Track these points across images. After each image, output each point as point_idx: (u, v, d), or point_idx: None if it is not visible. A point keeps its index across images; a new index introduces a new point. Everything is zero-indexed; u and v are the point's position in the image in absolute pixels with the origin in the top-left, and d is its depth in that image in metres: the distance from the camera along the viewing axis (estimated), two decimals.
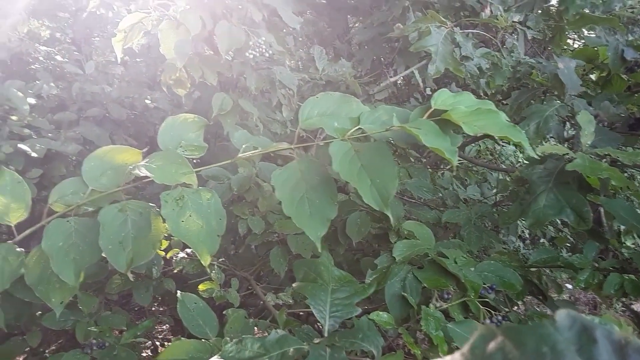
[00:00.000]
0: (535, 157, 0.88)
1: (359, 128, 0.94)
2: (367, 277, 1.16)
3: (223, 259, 1.34)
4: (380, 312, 0.97)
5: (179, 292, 0.95)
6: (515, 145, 2.79)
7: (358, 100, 1.00)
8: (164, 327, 2.65)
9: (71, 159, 1.64)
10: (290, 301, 1.34)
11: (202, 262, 0.87)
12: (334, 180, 0.91)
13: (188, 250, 1.30)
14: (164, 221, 0.90)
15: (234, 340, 0.77)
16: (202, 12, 1.22)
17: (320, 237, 0.85)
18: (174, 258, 1.27)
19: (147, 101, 1.94)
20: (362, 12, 3.18)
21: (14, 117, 1.57)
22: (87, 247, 0.91)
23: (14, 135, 1.58)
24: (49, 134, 1.63)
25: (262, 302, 1.57)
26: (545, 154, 1.18)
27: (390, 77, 2.04)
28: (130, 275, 0.89)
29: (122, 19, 2.26)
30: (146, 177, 0.94)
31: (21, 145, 1.47)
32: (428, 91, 2.00)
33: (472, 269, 1.13)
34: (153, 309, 2.29)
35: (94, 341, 1.10)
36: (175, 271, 1.27)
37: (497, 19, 1.62)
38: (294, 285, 0.91)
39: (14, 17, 2.03)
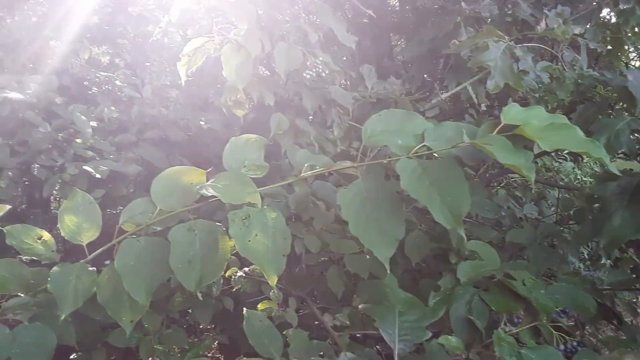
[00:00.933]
0: (617, 173, 0.83)
1: (424, 145, 0.93)
2: (430, 299, 1.12)
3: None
4: (449, 337, 0.94)
5: (245, 309, 0.95)
6: (574, 161, 2.69)
7: (421, 117, 0.98)
8: (213, 344, 2.66)
9: (133, 179, 1.69)
10: (347, 323, 1.31)
11: (269, 282, 0.87)
12: (400, 199, 0.90)
13: (246, 269, 1.30)
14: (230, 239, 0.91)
15: None
16: (261, 35, 1.24)
17: (389, 257, 0.83)
18: (233, 277, 1.27)
19: (202, 122, 1.99)
20: (406, 30, 3.18)
21: (78, 140, 1.65)
22: (156, 266, 0.92)
23: (78, 157, 1.65)
24: (111, 156, 1.69)
25: (315, 323, 1.55)
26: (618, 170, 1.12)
27: (441, 93, 2.01)
28: (200, 295, 0.89)
29: (176, 44, 2.35)
30: (213, 196, 0.95)
31: (86, 167, 1.54)
32: (483, 107, 1.96)
33: (542, 291, 1.08)
34: (200, 326, 2.31)
35: (157, 359, 1.11)
36: (234, 290, 1.27)
37: (554, 32, 1.58)
38: (359, 306, 0.89)
39: (71, 44, 2.15)
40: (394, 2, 3.35)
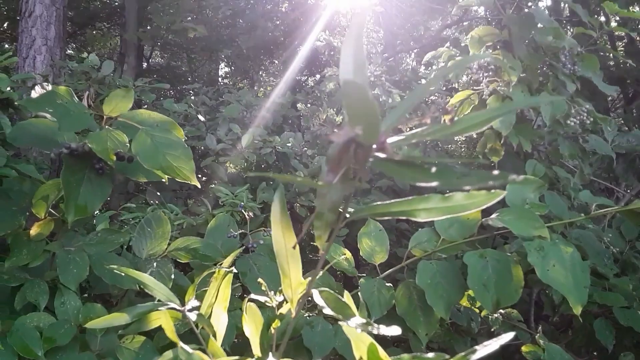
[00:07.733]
0: None
1: None
2: None
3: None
4: None
5: (542, 341, 0.97)
6: None
7: None
8: None
9: None
10: None
11: (574, 311, 0.88)
12: None
13: (502, 311, 1.32)
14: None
15: None
16: (521, 87, 1.33)
17: None
18: (490, 316, 1.30)
19: None
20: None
21: None
22: (449, 286, 1.02)
23: None
24: None
25: None
26: None
27: None
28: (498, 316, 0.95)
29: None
30: (503, 228, 1.03)
31: None
32: None
33: None
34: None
35: None
36: (492, 330, 1.29)
37: None
38: None
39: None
40: None
